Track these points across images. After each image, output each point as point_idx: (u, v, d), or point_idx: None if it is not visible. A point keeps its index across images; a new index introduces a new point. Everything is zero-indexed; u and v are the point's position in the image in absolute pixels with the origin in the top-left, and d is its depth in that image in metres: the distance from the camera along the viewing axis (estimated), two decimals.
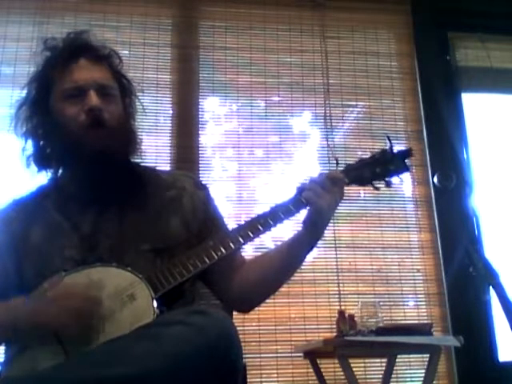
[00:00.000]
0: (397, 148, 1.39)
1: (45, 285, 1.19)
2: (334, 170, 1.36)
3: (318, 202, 1.25)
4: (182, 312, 1.06)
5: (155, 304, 1.14)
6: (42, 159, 1.36)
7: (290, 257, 1.32)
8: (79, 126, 1.29)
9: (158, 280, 1.19)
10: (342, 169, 1.36)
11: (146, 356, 0.94)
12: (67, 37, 1.39)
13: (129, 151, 1.38)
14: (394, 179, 1.37)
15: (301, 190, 1.29)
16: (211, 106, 3.03)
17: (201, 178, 2.85)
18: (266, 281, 1.35)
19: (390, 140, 1.39)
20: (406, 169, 1.37)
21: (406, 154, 1.38)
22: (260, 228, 1.27)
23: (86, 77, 1.33)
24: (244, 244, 1.27)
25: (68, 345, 1.10)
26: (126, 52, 2.94)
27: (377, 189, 1.37)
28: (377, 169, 1.35)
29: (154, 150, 2.86)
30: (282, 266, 1.34)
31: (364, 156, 1.39)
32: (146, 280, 1.18)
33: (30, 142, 1.36)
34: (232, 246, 1.25)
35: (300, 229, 1.31)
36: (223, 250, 1.24)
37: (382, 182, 1.37)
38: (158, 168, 1.56)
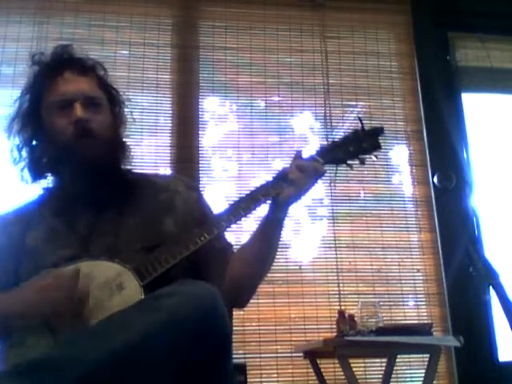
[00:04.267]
0: (368, 127, 1.44)
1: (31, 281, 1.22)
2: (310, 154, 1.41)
3: (301, 185, 1.32)
4: (173, 285, 1.10)
5: (143, 292, 1.17)
6: (37, 169, 1.40)
7: (264, 237, 1.36)
8: (68, 138, 1.34)
9: (144, 268, 1.22)
10: (316, 151, 1.40)
11: (144, 327, 0.97)
12: (53, 51, 1.43)
13: (119, 159, 1.42)
14: (367, 157, 1.43)
15: (283, 172, 1.35)
16: (211, 106, 3.03)
17: (201, 178, 2.86)
18: (249, 269, 1.38)
19: (360, 120, 1.44)
20: (379, 146, 1.43)
21: (378, 131, 1.44)
22: (241, 212, 1.31)
23: (71, 89, 1.37)
24: (225, 228, 1.32)
25: (59, 334, 1.12)
26: (126, 52, 2.95)
27: (351, 167, 1.42)
28: (350, 147, 1.41)
29: (154, 150, 2.85)
30: (258, 250, 1.37)
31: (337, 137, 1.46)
32: (133, 269, 1.21)
33: (23, 154, 1.40)
34: (215, 230, 1.29)
35: (270, 209, 1.35)
36: (206, 236, 1.27)
37: (356, 160, 1.42)
38: (149, 172, 1.62)
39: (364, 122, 1.44)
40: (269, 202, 1.34)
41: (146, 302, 1.07)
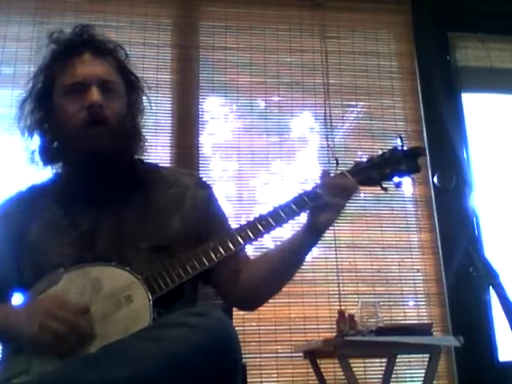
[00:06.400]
0: (408, 146, 1.32)
1: (41, 284, 1.18)
2: (344, 169, 1.30)
3: (336, 208, 1.24)
4: (182, 314, 1.05)
5: (152, 307, 1.13)
6: (47, 154, 1.34)
7: (292, 257, 1.30)
8: (79, 123, 1.27)
9: (155, 282, 1.17)
10: (350, 168, 1.30)
11: (146, 357, 0.94)
12: (72, 30, 1.36)
13: (131, 149, 1.35)
14: (405, 180, 1.32)
15: (309, 192, 1.26)
16: (211, 106, 3.03)
17: None
18: (268, 281, 1.33)
19: (401, 139, 1.32)
20: (418, 169, 1.32)
21: (419, 152, 1.32)
22: (261, 229, 1.24)
23: (87, 72, 1.30)
24: (244, 245, 1.25)
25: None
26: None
27: (385, 190, 1.31)
28: (386, 169, 1.30)
29: (154, 149, 2.85)
30: (283, 266, 1.31)
31: (374, 154, 1.32)
32: (143, 281, 1.16)
33: (34, 137, 1.34)
34: (232, 247, 1.23)
35: (302, 228, 1.28)
36: (223, 252, 1.22)
37: (391, 183, 1.31)
38: (161, 165, 1.53)
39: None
40: (290, 221, 1.26)
41: (149, 331, 1.03)
